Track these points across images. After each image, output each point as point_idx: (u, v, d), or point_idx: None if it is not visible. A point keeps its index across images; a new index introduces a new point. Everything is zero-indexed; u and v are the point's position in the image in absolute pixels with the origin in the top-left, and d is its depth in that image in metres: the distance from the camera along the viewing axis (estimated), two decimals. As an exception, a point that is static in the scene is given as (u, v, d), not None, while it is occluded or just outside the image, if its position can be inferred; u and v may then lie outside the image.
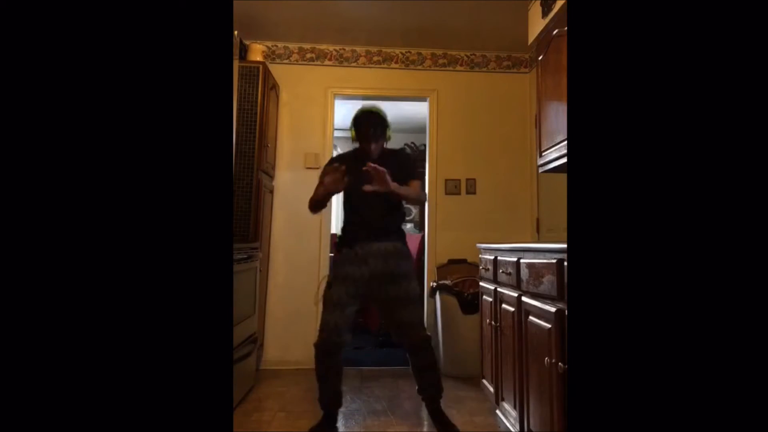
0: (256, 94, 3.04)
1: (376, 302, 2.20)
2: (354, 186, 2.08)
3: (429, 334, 2.17)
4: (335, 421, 2.19)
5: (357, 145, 2.24)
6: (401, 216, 2.28)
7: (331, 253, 3.56)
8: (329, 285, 2.13)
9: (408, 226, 6.16)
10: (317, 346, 2.06)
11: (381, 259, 2.10)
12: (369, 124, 2.15)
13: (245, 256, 2.55)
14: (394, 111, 4.75)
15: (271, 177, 3.39)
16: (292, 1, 2.94)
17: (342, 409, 2.48)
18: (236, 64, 2.63)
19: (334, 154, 4.12)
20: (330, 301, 2.08)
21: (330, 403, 2.13)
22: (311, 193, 3.41)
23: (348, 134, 2.34)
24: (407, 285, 2.11)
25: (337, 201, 3.66)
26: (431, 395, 2.16)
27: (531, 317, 1.73)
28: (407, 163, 2.28)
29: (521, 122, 3.64)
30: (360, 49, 3.61)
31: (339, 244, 2.22)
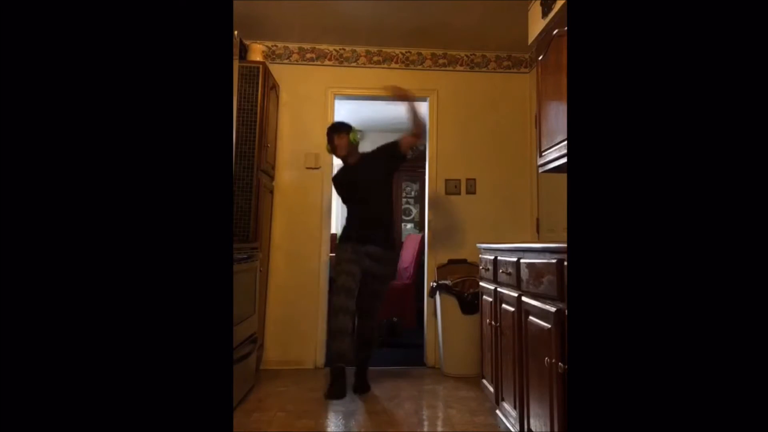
0: (256, 94, 3.04)
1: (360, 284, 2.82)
2: (347, 194, 2.87)
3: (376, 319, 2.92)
4: (342, 376, 2.66)
5: (336, 157, 2.99)
6: (390, 226, 2.86)
7: (331, 253, 3.56)
8: (336, 262, 2.74)
9: (408, 226, 6.16)
10: (329, 305, 2.73)
11: (370, 261, 2.74)
12: (333, 126, 2.89)
13: (245, 256, 2.55)
14: (394, 111, 4.76)
15: (271, 177, 3.39)
16: (292, 1, 2.94)
17: (342, 409, 2.49)
18: (236, 64, 2.63)
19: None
20: (337, 268, 2.71)
21: (336, 359, 2.64)
22: (311, 193, 3.73)
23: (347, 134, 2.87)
24: (381, 285, 2.85)
25: (336, 202, 3.67)
26: (361, 358, 2.83)
27: (531, 317, 1.73)
28: (386, 148, 2.90)
29: (521, 122, 3.64)
30: (360, 49, 3.61)
31: (339, 240, 2.82)
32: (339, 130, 2.79)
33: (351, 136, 2.78)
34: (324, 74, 3.59)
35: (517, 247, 1.94)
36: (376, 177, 2.83)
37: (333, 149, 2.83)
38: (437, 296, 3.29)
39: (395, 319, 4.25)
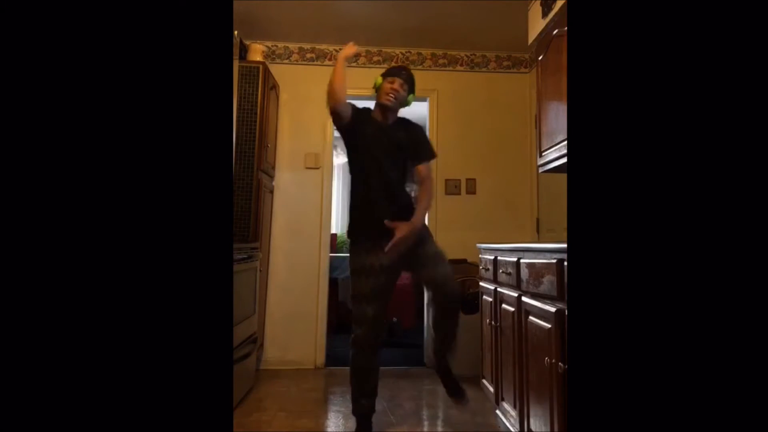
0: (256, 94, 3.04)
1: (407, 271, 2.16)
2: (367, 156, 2.07)
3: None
4: (370, 425, 2.09)
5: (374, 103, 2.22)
6: (408, 196, 2.18)
7: (331, 253, 3.56)
8: (356, 278, 2.03)
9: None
10: (356, 341, 1.99)
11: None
12: (400, 74, 2.14)
13: (245, 256, 2.55)
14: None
15: (271, 177, 3.39)
16: (292, 1, 2.94)
17: (341, 409, 2.49)
18: (236, 64, 2.63)
19: (335, 154, 4.12)
20: (362, 293, 2.00)
21: (367, 405, 2.07)
22: (311, 194, 3.45)
23: None
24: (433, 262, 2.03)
25: (335, 198, 3.66)
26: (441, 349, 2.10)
27: (531, 317, 1.73)
28: (423, 141, 2.16)
29: (521, 122, 3.64)
30: (360, 49, 3.61)
31: (352, 233, 2.11)
32: (408, 80, 2.14)
33: (410, 97, 2.19)
34: (324, 74, 3.56)
35: (517, 247, 1.94)
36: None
37: (383, 92, 2.14)
38: (437, 296, 3.29)
39: (395, 319, 4.25)
